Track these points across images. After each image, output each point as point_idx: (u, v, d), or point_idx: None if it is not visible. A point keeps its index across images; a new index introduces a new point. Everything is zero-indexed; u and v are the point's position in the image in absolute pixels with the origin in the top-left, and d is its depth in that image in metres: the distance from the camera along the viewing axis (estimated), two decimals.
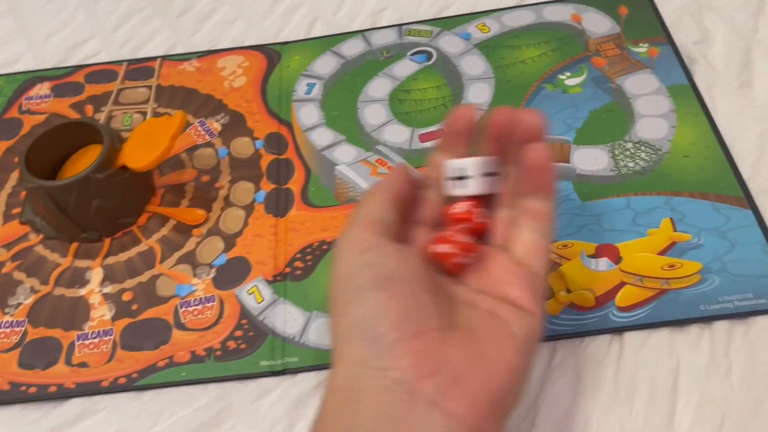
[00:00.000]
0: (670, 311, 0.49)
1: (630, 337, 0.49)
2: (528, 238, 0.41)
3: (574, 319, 0.50)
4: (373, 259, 0.39)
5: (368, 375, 0.36)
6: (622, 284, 0.51)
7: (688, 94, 0.61)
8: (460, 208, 0.43)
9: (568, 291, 0.51)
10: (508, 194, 0.43)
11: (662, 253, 0.52)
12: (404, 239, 0.42)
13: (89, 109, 0.69)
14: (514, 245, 0.41)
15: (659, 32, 0.66)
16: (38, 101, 0.70)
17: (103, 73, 0.72)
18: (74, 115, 0.69)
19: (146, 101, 0.69)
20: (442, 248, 0.41)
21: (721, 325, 0.49)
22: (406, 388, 0.35)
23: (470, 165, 0.42)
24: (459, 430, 0.34)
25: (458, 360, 0.36)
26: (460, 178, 0.43)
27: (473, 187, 0.42)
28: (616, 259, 0.52)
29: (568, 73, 0.64)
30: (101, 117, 0.68)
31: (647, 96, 0.62)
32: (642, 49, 0.65)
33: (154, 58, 0.73)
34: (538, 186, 0.41)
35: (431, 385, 0.35)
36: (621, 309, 0.50)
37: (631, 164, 0.57)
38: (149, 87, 0.70)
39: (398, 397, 0.35)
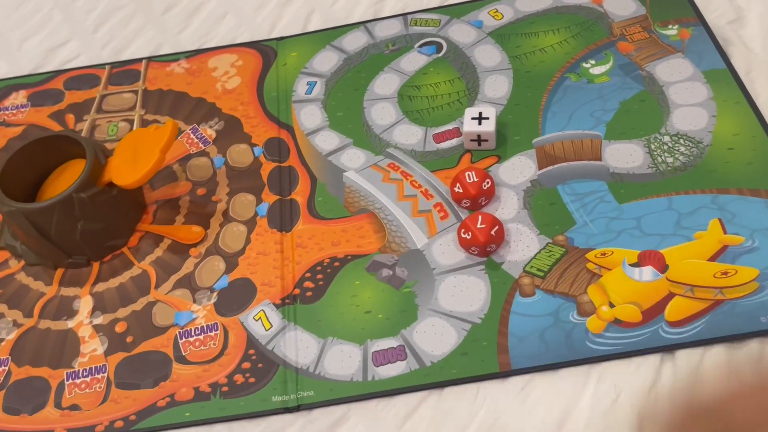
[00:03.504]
0: (727, 325, 0.44)
1: (683, 355, 0.44)
2: None
3: (619, 337, 0.45)
4: None
5: None
6: (671, 295, 0.46)
7: (726, 79, 0.56)
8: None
9: (611, 305, 0.46)
10: None
11: (713, 258, 0.47)
12: None
13: (70, 118, 0.63)
14: None
15: (689, 12, 0.61)
16: (14, 112, 0.65)
17: (83, 78, 0.66)
18: (54, 126, 0.63)
19: (132, 108, 0.63)
20: (465, 235, 0.49)
21: None
22: None
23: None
24: None
25: None
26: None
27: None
28: (662, 267, 0.47)
29: (593, 61, 0.59)
30: (83, 127, 0.62)
31: (682, 83, 0.56)
32: (672, 31, 0.60)
33: (138, 60, 0.67)
34: None
35: None
36: (671, 324, 0.45)
37: (669, 159, 0.52)
38: (135, 92, 0.65)
39: None
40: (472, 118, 0.54)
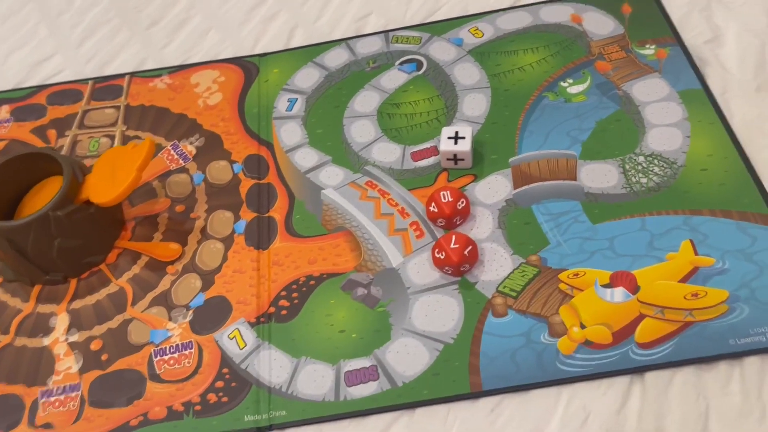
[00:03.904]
0: (696, 347, 0.45)
1: (652, 377, 0.45)
2: None
3: (589, 359, 0.45)
4: None
5: None
6: (642, 317, 0.46)
7: (701, 99, 0.56)
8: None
9: (582, 326, 0.46)
10: None
11: (684, 280, 0.47)
12: None
13: (52, 134, 0.64)
14: None
15: (666, 31, 0.61)
16: None
17: (66, 93, 0.67)
18: (36, 142, 0.63)
19: (114, 123, 0.64)
20: (439, 255, 0.50)
21: (752, 362, 0.44)
22: None
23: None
24: None
25: None
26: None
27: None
28: (634, 288, 0.47)
29: (571, 80, 0.59)
30: (65, 142, 0.63)
31: (657, 103, 0.57)
32: (649, 50, 0.60)
33: (122, 76, 0.67)
34: None
35: None
36: (641, 345, 0.45)
37: (644, 180, 0.53)
38: (117, 107, 0.65)
39: None
40: (449, 138, 0.54)
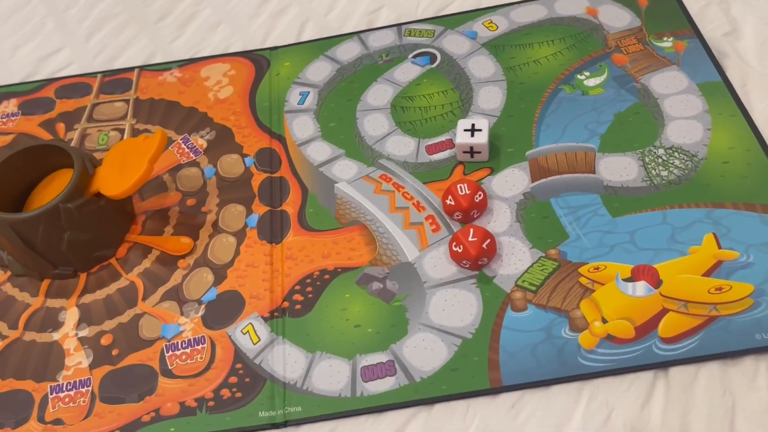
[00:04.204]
0: (722, 342, 0.44)
1: (676, 372, 0.44)
2: None
3: (612, 353, 0.44)
4: None
5: None
6: (665, 311, 0.45)
7: (721, 92, 0.55)
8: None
9: (604, 321, 0.46)
10: None
11: (707, 274, 0.46)
12: None
13: (60, 127, 0.63)
14: None
15: (684, 24, 0.60)
16: (5, 120, 0.64)
17: (75, 86, 0.66)
18: (44, 135, 0.62)
19: (123, 117, 0.63)
20: (456, 248, 0.49)
21: None
22: None
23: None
24: None
25: None
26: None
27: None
28: (656, 282, 0.47)
29: (587, 73, 0.59)
30: (74, 136, 0.62)
31: (676, 95, 0.56)
32: (667, 43, 0.59)
33: (131, 69, 0.67)
34: None
35: None
36: (665, 340, 0.44)
37: (664, 173, 0.52)
38: (126, 101, 0.64)
39: None
40: (465, 130, 0.54)
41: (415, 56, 0.63)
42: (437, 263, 0.50)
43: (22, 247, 0.50)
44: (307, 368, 0.47)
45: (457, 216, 0.52)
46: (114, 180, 0.50)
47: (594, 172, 0.53)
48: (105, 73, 0.67)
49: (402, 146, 0.57)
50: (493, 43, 0.62)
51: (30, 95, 0.66)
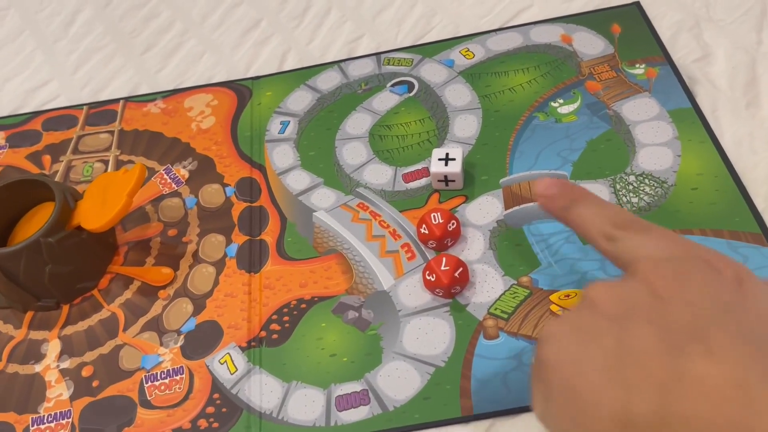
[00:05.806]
0: None
1: None
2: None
3: None
4: None
5: None
6: None
7: (691, 118, 0.56)
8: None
9: None
10: None
11: None
12: None
13: (47, 159, 0.64)
14: None
15: (656, 51, 0.61)
16: None
17: (61, 118, 0.67)
18: (31, 168, 0.64)
19: (108, 148, 0.64)
20: (429, 277, 0.50)
21: None
22: None
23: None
24: None
25: None
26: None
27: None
28: None
29: (561, 100, 0.60)
30: (59, 168, 0.63)
31: (648, 122, 0.57)
32: (639, 70, 0.60)
33: (116, 101, 0.68)
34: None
35: None
36: None
37: (634, 200, 0.53)
38: (111, 132, 0.65)
39: None
40: (439, 159, 0.55)
41: (393, 85, 0.64)
42: (412, 291, 0.51)
43: (5, 281, 0.51)
44: (282, 398, 0.48)
45: (432, 244, 0.52)
46: (95, 214, 0.51)
47: None
48: (91, 105, 0.68)
49: (379, 174, 0.58)
50: (469, 72, 0.63)
51: (17, 128, 0.67)
